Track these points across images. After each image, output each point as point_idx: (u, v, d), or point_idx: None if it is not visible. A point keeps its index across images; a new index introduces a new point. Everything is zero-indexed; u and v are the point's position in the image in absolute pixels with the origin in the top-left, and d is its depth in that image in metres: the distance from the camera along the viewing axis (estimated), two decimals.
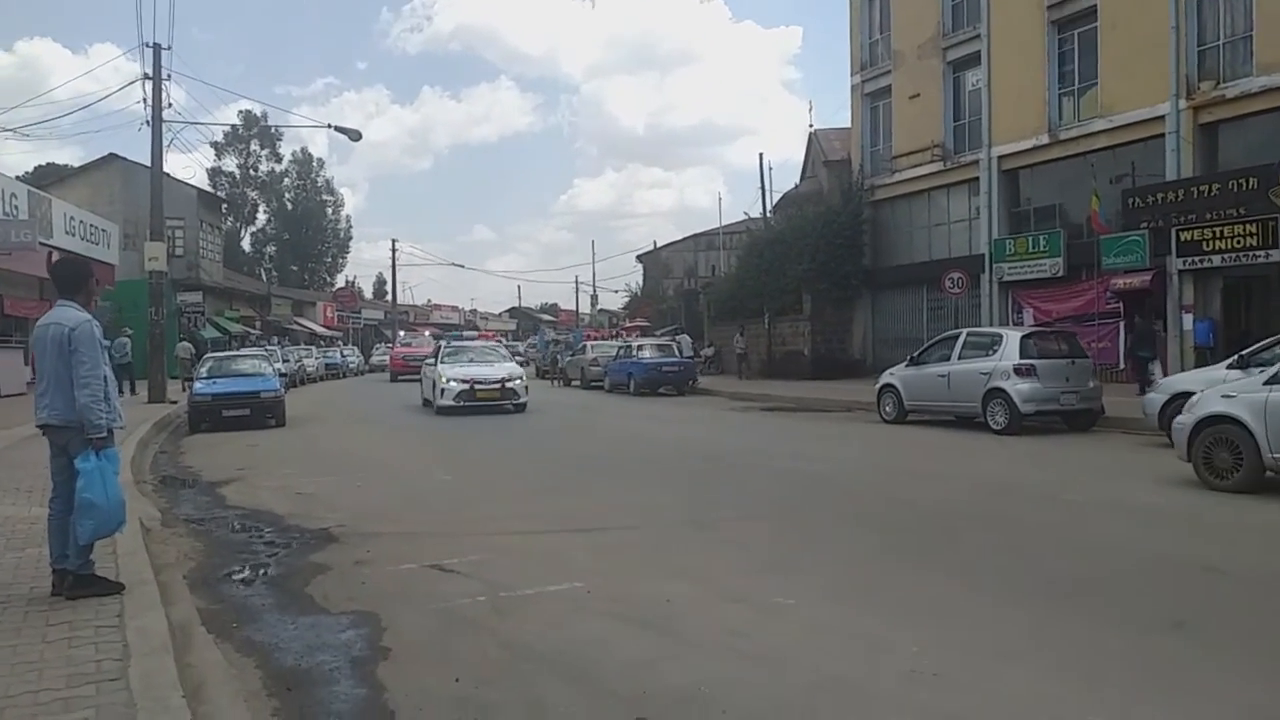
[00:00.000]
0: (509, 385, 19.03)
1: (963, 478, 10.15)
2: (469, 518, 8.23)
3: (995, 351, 14.34)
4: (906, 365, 16.12)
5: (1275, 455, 8.24)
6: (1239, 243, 17.63)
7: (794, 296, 30.01)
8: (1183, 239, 18.60)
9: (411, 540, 7.35)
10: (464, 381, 18.74)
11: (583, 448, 13.68)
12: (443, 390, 18.69)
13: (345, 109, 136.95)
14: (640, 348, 26.60)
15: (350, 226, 75.54)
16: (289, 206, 69.84)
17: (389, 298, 69.57)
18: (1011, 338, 14.49)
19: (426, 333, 52.90)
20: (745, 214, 41.38)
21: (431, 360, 21.00)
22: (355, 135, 26.04)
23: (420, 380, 22.42)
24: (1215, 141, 19.12)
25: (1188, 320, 18.69)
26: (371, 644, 4.82)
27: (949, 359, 15.16)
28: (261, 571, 6.41)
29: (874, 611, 5.20)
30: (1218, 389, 9.24)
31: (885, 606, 5.29)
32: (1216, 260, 18.11)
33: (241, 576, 6.28)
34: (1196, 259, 18.46)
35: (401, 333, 49.50)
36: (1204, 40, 19.12)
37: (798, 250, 29.19)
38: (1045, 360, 13.98)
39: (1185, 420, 9.05)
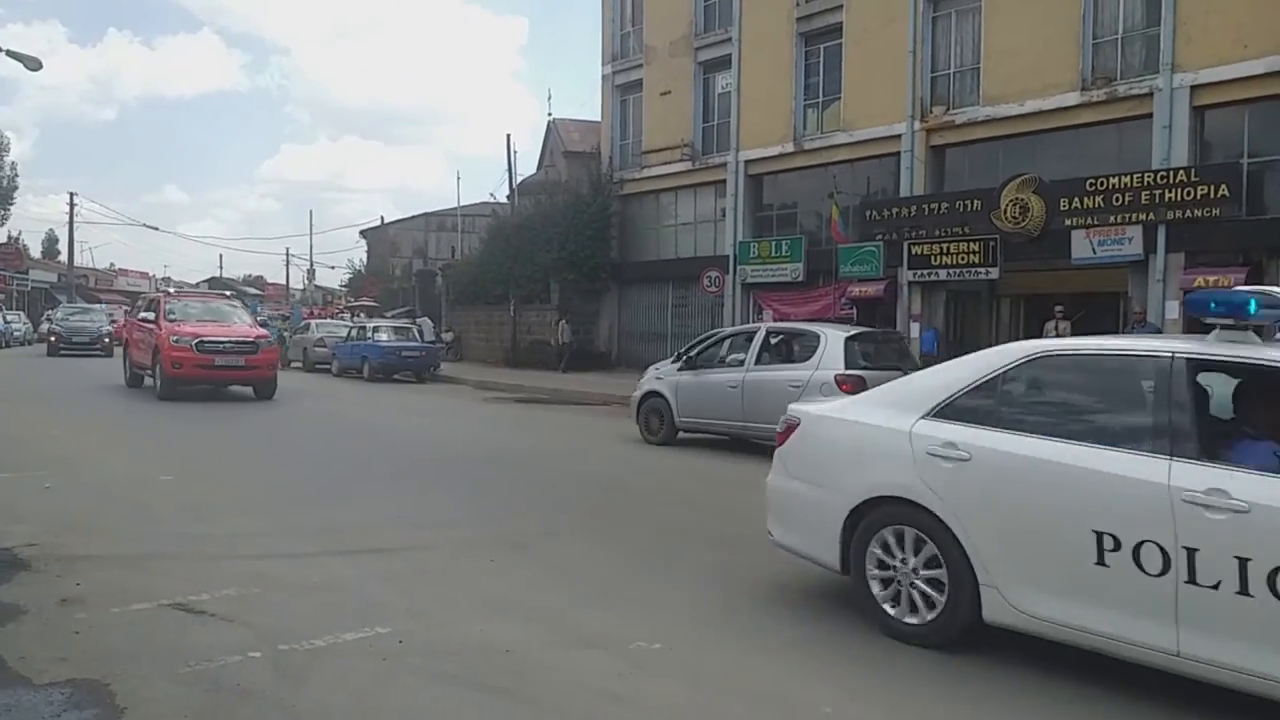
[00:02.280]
0: None
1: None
2: (212, 535, 6.61)
3: (811, 356, 10.90)
4: (681, 367, 12.43)
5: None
6: (963, 259, 19.01)
7: (541, 285, 29.21)
8: (914, 252, 19.81)
9: (138, 566, 5.73)
10: None
11: (333, 444, 11.98)
12: None
13: (10, 43, 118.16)
14: (376, 329, 24.64)
15: (15, 175, 64.77)
16: None
17: (63, 259, 60.72)
18: (833, 339, 10.95)
19: (229, 293, 31.73)
20: (491, 195, 39.91)
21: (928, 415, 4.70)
22: (34, 64, 21.96)
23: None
24: (944, 163, 20.52)
25: (915, 328, 19.94)
26: None
27: (743, 364, 11.58)
28: None
29: (758, 654, 4.47)
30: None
31: (766, 646, 4.58)
32: (943, 274, 19.44)
33: None
34: (925, 272, 19.73)
35: (170, 289, 23.49)
36: (937, 68, 20.46)
37: (546, 238, 28.37)
38: (875, 371, 10.19)
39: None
